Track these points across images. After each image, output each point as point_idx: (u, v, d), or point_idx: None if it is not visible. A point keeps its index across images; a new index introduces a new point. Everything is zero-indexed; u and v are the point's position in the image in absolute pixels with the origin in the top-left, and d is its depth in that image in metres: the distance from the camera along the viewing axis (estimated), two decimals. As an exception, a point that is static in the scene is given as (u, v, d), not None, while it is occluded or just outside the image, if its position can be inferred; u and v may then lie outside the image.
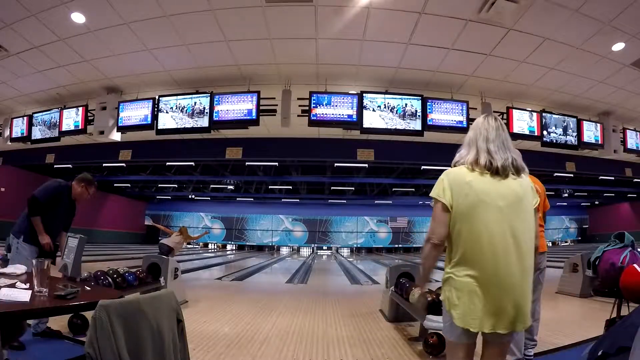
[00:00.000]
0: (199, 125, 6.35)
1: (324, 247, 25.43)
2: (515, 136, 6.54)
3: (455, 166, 1.65)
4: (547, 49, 5.16)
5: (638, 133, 7.69)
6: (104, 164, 11.97)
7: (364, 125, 6.07)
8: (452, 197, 1.53)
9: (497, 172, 1.54)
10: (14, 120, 7.90)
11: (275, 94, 6.12)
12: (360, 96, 6.09)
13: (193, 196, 22.36)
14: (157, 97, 6.58)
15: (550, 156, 8.22)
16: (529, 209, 1.56)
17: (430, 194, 1.58)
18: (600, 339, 1.54)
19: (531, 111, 6.68)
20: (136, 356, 1.40)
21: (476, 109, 6.41)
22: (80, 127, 6.99)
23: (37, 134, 7.48)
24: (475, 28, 4.71)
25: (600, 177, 11.15)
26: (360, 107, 6.05)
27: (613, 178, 11.50)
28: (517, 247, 1.49)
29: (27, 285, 1.87)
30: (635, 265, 1.40)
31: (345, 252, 25.13)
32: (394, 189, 18.21)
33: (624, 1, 4.13)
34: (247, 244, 25.78)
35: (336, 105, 6.06)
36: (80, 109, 7.03)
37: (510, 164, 1.56)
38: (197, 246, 25.31)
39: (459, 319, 1.50)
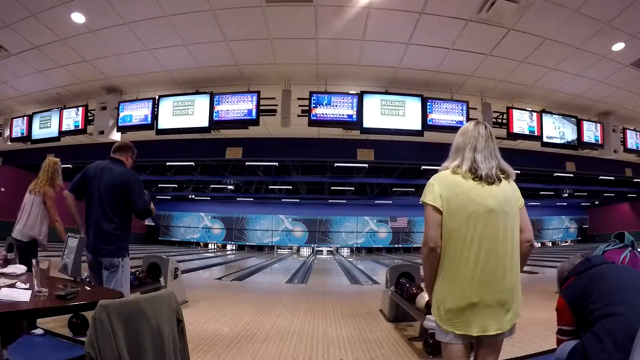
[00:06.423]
0: (199, 125, 6.36)
1: (324, 247, 25.41)
2: (515, 136, 6.55)
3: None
4: (547, 49, 5.16)
5: (638, 133, 7.69)
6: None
7: (364, 125, 6.08)
8: (442, 200, 1.55)
9: (480, 178, 1.56)
10: (14, 120, 7.91)
11: (275, 94, 6.12)
12: (360, 96, 6.09)
13: (193, 196, 22.34)
14: (157, 97, 6.58)
15: (550, 156, 8.22)
16: (515, 208, 1.60)
17: (421, 200, 1.59)
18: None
19: (531, 111, 6.68)
20: (136, 356, 1.40)
21: (476, 109, 6.42)
22: (80, 127, 7.00)
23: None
24: (475, 28, 4.72)
25: (600, 177, 11.15)
26: (360, 107, 6.05)
27: (613, 178, 11.50)
28: (507, 246, 1.53)
29: (27, 285, 1.87)
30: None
31: (345, 252, 25.12)
32: (394, 189, 18.19)
33: (624, 1, 4.14)
34: (247, 244, 25.77)
35: (336, 105, 6.06)
36: (80, 109, 7.03)
37: (494, 173, 1.58)
38: (197, 246, 25.35)
39: (446, 324, 1.52)
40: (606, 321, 1.59)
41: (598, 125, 7.17)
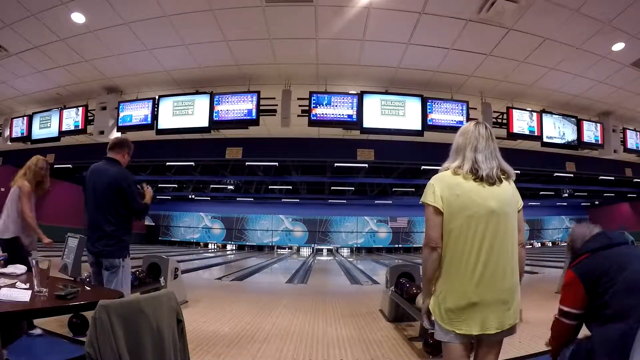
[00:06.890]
0: (199, 125, 6.35)
1: (324, 247, 25.40)
2: (515, 136, 6.55)
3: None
4: (547, 49, 5.16)
5: (638, 133, 7.68)
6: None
7: (364, 125, 6.08)
8: (442, 200, 1.55)
9: (482, 179, 1.57)
10: (14, 120, 7.90)
11: (275, 94, 6.12)
12: (360, 96, 6.09)
13: (193, 196, 22.33)
14: (157, 97, 6.58)
15: (550, 156, 8.22)
16: (515, 209, 1.61)
17: (421, 200, 1.60)
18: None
19: (531, 111, 6.68)
20: (136, 356, 1.40)
21: (476, 109, 6.42)
22: (80, 127, 6.99)
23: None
24: (475, 28, 4.71)
25: (600, 177, 11.13)
26: (360, 107, 6.05)
27: (613, 178, 11.47)
28: (508, 246, 1.54)
29: (27, 285, 1.87)
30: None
31: (345, 252, 25.11)
32: (394, 189, 18.18)
33: (624, 1, 4.13)
34: (247, 244, 25.77)
35: (336, 105, 6.06)
36: (80, 109, 7.03)
37: (495, 174, 1.59)
38: (197, 246, 25.35)
39: (447, 323, 1.53)
40: (618, 324, 1.51)
41: (598, 125, 7.17)
